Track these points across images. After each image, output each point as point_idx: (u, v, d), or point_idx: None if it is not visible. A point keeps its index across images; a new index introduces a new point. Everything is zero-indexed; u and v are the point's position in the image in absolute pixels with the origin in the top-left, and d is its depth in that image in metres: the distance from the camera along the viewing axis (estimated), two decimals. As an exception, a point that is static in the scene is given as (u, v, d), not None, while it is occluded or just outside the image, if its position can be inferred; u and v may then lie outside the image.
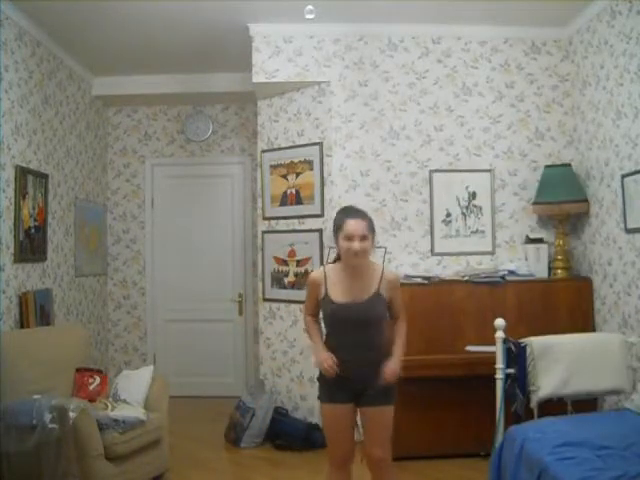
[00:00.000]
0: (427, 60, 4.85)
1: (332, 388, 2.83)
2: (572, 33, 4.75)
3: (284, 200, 5.09)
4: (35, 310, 4.37)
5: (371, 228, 2.82)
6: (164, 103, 6.26)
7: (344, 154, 4.80)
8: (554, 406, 3.56)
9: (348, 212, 2.87)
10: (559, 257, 4.60)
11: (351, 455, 2.90)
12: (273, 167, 5.15)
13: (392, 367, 2.82)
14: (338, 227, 2.83)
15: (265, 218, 5.22)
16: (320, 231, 4.83)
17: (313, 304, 2.97)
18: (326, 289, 2.83)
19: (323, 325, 2.98)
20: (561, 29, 4.80)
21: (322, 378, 2.87)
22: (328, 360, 2.78)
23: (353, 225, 2.76)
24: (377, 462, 2.86)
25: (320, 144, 4.84)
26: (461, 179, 4.80)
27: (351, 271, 2.84)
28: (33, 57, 4.61)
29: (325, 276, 2.86)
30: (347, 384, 2.81)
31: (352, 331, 2.80)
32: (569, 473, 2.58)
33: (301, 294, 4.93)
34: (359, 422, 2.93)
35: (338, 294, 2.82)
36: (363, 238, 2.75)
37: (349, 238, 2.75)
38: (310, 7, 4.19)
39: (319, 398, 2.91)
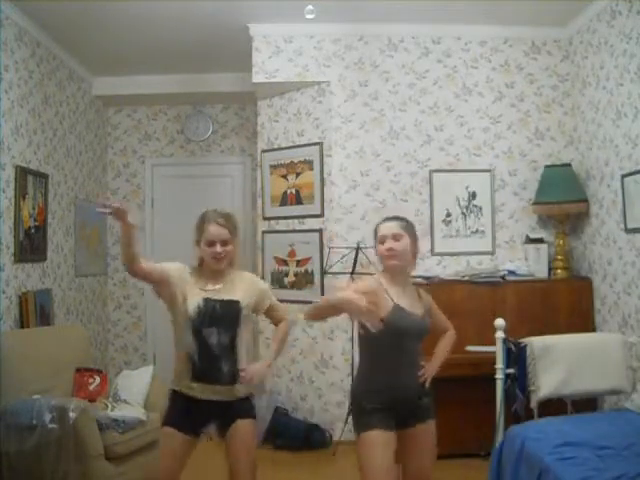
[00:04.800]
0: (427, 60, 4.86)
1: (379, 412, 2.48)
2: (572, 33, 4.75)
3: (284, 200, 5.09)
4: (35, 310, 4.37)
5: (406, 228, 2.60)
6: (164, 103, 6.26)
7: (344, 154, 4.80)
8: (554, 406, 3.56)
9: (385, 217, 2.70)
10: (559, 257, 4.60)
11: None
12: (273, 167, 5.15)
13: (432, 365, 2.68)
14: (375, 234, 2.67)
15: (265, 218, 5.22)
16: (320, 231, 4.83)
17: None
18: (391, 297, 2.53)
19: (366, 349, 2.61)
20: (561, 29, 4.80)
21: (358, 403, 2.55)
22: (368, 304, 2.25)
23: (384, 225, 2.62)
24: None
25: (320, 144, 4.84)
26: (461, 179, 4.80)
27: (400, 283, 2.60)
28: (33, 57, 4.60)
29: (382, 285, 2.57)
30: (394, 407, 2.51)
31: (411, 346, 2.56)
32: (569, 473, 2.58)
33: (301, 294, 4.93)
34: None
35: (405, 304, 2.55)
36: (396, 238, 2.56)
37: (382, 240, 2.59)
38: (310, 7, 4.19)
39: (357, 429, 2.51)
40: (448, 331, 2.84)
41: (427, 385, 2.65)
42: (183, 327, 2.66)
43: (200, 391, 2.59)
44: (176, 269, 2.68)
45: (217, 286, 2.66)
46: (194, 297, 2.61)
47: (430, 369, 2.68)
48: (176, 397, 2.65)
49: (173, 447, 2.59)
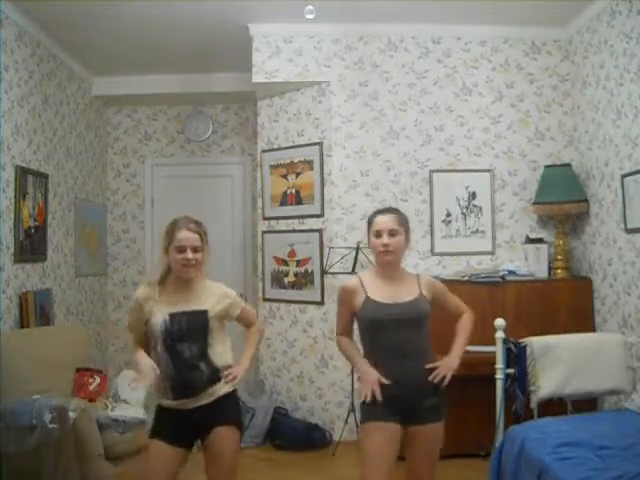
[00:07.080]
0: (427, 60, 4.86)
1: (379, 406, 2.49)
2: (572, 33, 4.75)
3: (284, 200, 5.09)
4: (35, 310, 4.37)
5: (402, 223, 2.61)
6: (164, 103, 6.25)
7: (344, 154, 4.80)
8: (554, 406, 3.56)
9: (380, 209, 2.72)
10: (559, 257, 4.60)
11: None
12: (273, 167, 5.16)
13: (447, 361, 2.58)
14: (369, 225, 2.65)
15: (265, 218, 5.22)
16: (320, 231, 4.83)
17: (346, 319, 2.66)
18: (365, 292, 2.57)
19: (362, 343, 2.68)
20: (561, 29, 4.80)
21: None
22: (376, 381, 2.48)
23: (380, 219, 2.60)
24: None
25: (320, 144, 4.84)
26: (461, 179, 4.80)
27: (387, 276, 2.62)
28: (33, 57, 4.61)
29: (361, 282, 2.62)
30: (395, 402, 2.49)
31: (399, 337, 2.53)
32: (569, 473, 2.58)
33: (301, 294, 4.93)
34: None
35: (381, 296, 2.57)
36: (392, 233, 2.56)
37: (378, 234, 2.58)
38: (310, 7, 4.19)
39: (362, 420, 2.57)
40: (463, 314, 2.75)
41: (444, 384, 2.54)
42: (155, 345, 2.58)
43: (184, 404, 2.52)
44: (141, 299, 2.63)
45: (183, 298, 2.59)
46: (160, 313, 2.55)
47: (446, 366, 2.56)
48: (163, 410, 2.59)
49: (161, 461, 2.51)
